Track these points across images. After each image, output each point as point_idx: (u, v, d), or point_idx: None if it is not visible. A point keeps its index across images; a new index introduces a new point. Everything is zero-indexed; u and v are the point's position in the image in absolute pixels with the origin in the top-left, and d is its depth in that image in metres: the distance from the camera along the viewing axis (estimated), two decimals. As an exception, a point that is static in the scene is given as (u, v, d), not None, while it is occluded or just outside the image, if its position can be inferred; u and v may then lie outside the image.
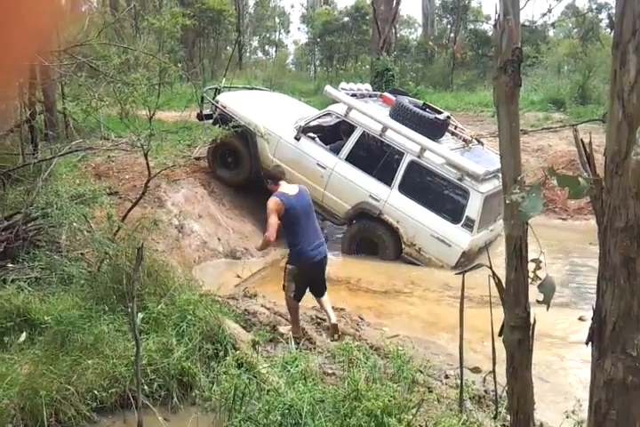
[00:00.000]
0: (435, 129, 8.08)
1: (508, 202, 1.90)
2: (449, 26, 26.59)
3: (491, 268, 2.43)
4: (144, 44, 7.70)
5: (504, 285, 2.21)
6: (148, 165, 6.17)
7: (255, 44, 35.89)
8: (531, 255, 2.12)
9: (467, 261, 7.31)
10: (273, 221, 5.00)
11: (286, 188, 5.19)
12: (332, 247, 8.77)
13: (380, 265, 7.74)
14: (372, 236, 8.00)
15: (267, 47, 36.47)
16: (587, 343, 1.96)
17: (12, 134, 7.13)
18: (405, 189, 7.81)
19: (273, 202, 5.04)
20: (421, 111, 8.20)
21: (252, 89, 11.52)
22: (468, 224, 7.46)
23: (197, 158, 9.33)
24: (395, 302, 6.64)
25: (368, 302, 6.53)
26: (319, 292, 5.34)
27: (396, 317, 6.08)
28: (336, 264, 7.95)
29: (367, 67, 19.64)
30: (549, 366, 4.95)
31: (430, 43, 22.61)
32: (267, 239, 5.06)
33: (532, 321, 2.20)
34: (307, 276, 5.19)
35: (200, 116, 9.17)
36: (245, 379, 3.48)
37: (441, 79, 21.45)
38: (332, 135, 9.07)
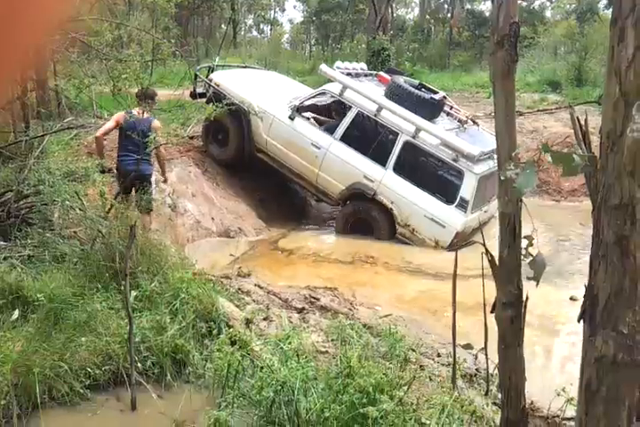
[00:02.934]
0: (430, 109, 8.03)
1: (502, 178, 1.89)
2: (445, 5, 26.34)
3: (484, 245, 2.43)
4: (137, 22, 7.59)
5: (497, 262, 2.21)
6: (140, 143, 6.12)
7: (250, 22, 35.58)
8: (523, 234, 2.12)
9: (460, 242, 7.32)
10: (107, 125, 6.36)
11: (140, 110, 6.17)
12: (327, 227, 8.82)
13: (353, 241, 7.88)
14: (366, 216, 7.99)
15: (261, 25, 36.13)
16: (578, 321, 1.97)
17: (4, 112, 7.05)
18: (400, 169, 7.78)
19: (116, 114, 6.38)
20: (417, 91, 8.13)
21: (245, 67, 11.40)
22: (462, 205, 7.45)
23: (191, 137, 9.27)
24: (357, 271, 6.81)
25: (330, 272, 6.72)
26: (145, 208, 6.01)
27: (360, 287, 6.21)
28: (320, 242, 8.06)
29: (363, 46, 19.45)
30: (540, 344, 4.99)
31: (427, 16, 22.40)
32: (95, 136, 6.44)
33: (524, 298, 2.20)
34: (125, 183, 6.03)
35: (193, 95, 9.09)
36: (239, 356, 3.49)
37: (437, 59, 21.34)
38: (327, 115, 9.01)
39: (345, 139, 8.09)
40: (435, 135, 7.56)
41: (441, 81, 15.94)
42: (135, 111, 6.14)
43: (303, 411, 3.11)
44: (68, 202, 5.42)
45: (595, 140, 1.91)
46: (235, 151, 8.80)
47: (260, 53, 21.41)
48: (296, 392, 3.14)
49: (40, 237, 5.26)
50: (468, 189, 7.42)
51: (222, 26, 28.62)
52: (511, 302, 2.18)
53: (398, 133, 7.78)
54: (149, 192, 6.10)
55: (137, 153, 6.12)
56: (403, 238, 7.78)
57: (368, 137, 8.07)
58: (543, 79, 15.23)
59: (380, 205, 7.86)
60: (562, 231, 8.42)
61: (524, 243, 2.06)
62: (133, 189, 6.04)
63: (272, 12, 35.74)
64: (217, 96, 8.18)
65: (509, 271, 2.16)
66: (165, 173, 6.76)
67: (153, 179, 6.37)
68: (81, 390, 3.75)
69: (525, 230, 2.13)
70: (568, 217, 9.19)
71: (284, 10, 37.05)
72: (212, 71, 9.56)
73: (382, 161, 7.83)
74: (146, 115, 6.19)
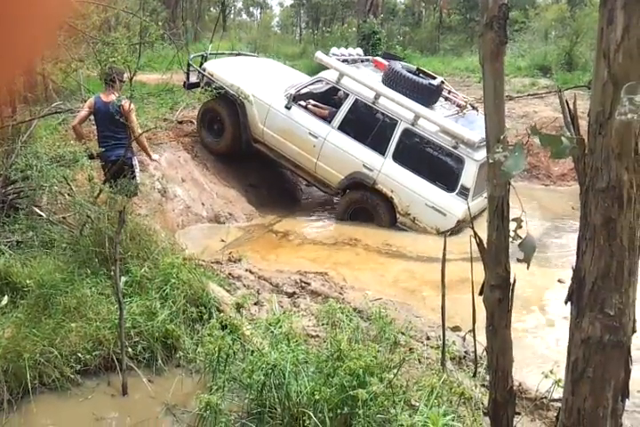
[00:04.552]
0: (429, 95, 7.91)
1: (491, 161, 1.89)
2: (437, -11, 26.12)
3: (472, 228, 2.44)
4: (125, 4, 7.48)
5: (485, 245, 2.22)
6: (128, 127, 6.06)
7: (239, 5, 35.09)
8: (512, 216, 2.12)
9: (461, 230, 7.27)
10: (81, 113, 6.26)
11: (106, 94, 6.06)
12: (318, 213, 8.82)
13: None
14: (366, 205, 7.91)
15: (251, 9, 35.70)
16: (565, 303, 1.99)
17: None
18: (399, 157, 7.65)
19: (88, 100, 6.32)
20: (415, 77, 8.02)
21: (239, 55, 11.20)
22: (463, 193, 7.34)
23: (180, 122, 9.18)
24: (338, 253, 6.95)
25: (311, 254, 6.88)
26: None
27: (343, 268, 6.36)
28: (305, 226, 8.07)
29: (354, 30, 19.28)
30: (528, 326, 5.04)
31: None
32: (71, 125, 6.42)
33: (512, 280, 2.22)
34: (107, 168, 5.94)
35: (186, 85, 8.93)
36: (229, 340, 3.50)
37: (428, 43, 21.21)
38: (324, 103, 8.91)
39: (343, 127, 7.97)
40: (434, 122, 7.45)
41: (431, 65, 15.80)
42: (104, 96, 6.02)
43: (294, 394, 3.13)
44: (56, 187, 5.38)
45: (583, 125, 1.91)
46: (231, 142, 8.70)
47: (250, 37, 21.18)
48: (287, 375, 3.16)
49: (29, 222, 5.22)
50: (468, 177, 7.34)
51: (211, 9, 28.29)
52: (499, 285, 2.20)
53: (397, 121, 7.68)
54: (132, 176, 5.91)
55: (113, 138, 6.01)
56: (403, 227, 7.72)
57: (366, 125, 7.95)
58: (533, 64, 15.16)
59: (380, 194, 7.76)
60: (551, 215, 8.47)
61: (512, 225, 2.06)
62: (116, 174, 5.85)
63: (262, -6, 35.33)
64: (210, 86, 8.08)
65: (497, 254, 2.17)
66: (149, 154, 6.56)
67: (135, 162, 6.20)
68: (71, 376, 3.76)
69: (515, 214, 2.14)
70: (558, 201, 9.23)
71: (273, -7, 36.64)
72: (206, 60, 9.39)
73: (381, 149, 7.73)
74: (112, 95, 5.95)
